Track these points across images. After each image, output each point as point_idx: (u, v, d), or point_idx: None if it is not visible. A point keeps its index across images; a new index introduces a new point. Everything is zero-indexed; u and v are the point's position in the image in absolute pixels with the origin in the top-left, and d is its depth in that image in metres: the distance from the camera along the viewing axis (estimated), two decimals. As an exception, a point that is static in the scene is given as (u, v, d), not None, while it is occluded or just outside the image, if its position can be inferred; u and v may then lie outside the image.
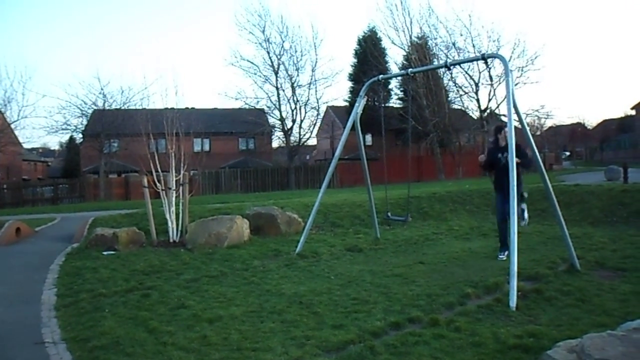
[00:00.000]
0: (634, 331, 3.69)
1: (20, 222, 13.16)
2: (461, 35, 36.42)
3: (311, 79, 38.37)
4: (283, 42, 37.99)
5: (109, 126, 32.55)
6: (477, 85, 35.50)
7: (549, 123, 60.42)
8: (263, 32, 37.54)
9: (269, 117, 39.98)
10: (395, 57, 44.19)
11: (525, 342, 4.44)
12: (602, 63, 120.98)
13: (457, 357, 4.29)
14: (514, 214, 6.25)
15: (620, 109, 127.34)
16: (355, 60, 40.97)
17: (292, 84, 38.10)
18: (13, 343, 5.23)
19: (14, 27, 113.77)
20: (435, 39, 36.58)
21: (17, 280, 8.20)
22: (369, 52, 37.00)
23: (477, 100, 36.12)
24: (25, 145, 45.83)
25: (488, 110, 36.09)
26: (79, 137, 39.49)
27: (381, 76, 9.67)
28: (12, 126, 33.14)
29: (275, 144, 46.91)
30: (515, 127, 7.14)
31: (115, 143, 35.88)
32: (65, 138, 54.69)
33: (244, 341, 4.85)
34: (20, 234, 12.45)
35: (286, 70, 38.04)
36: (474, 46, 34.89)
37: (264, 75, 38.23)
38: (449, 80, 36.91)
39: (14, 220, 13.14)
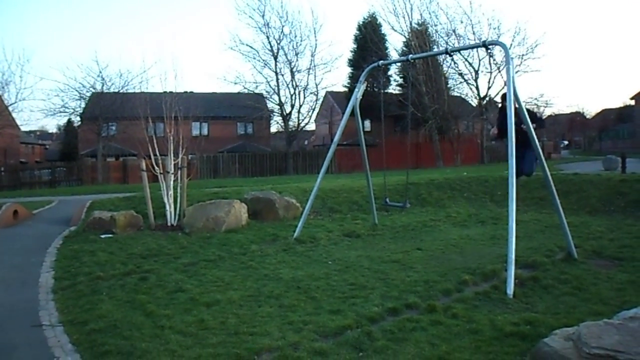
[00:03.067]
0: (630, 320, 3.69)
1: (18, 204, 13.13)
2: (461, 22, 36.55)
3: (310, 64, 38.25)
4: (283, 26, 37.83)
5: (107, 109, 32.42)
6: (476, 72, 35.43)
7: (548, 112, 60.26)
8: (263, 16, 37.37)
9: (267, 101, 39.85)
10: (395, 44, 44.15)
11: (522, 330, 4.45)
12: (602, 53, 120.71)
13: (454, 343, 4.30)
14: (512, 199, 6.24)
15: (619, 99, 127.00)
16: (355, 46, 40.78)
17: (292, 68, 37.96)
18: (10, 326, 5.23)
19: (13, 10, 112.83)
20: (436, 25, 36.55)
21: (15, 263, 8.19)
22: (369, 37, 36.81)
23: (477, 87, 36.08)
24: (23, 128, 45.79)
25: (487, 98, 36.04)
26: (77, 120, 39.42)
27: (381, 62, 9.60)
28: (10, 109, 33.00)
29: (273, 128, 46.85)
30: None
31: (114, 126, 35.75)
32: (63, 121, 54.71)
33: (242, 325, 4.86)
34: (17, 217, 12.43)
35: (285, 55, 37.90)
36: (474, 33, 34.87)
37: (263, 60, 38.13)
38: (448, 67, 36.84)
39: (12, 203, 13.11)
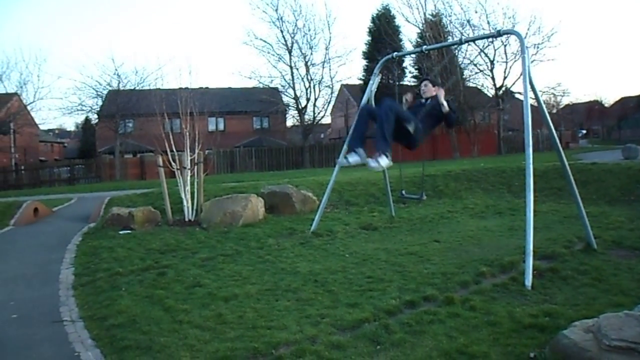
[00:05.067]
0: (652, 311, 3.65)
1: (38, 202, 13.32)
2: (476, 12, 36.29)
3: (325, 58, 38.16)
4: (296, 20, 37.77)
5: (123, 107, 32.73)
6: (492, 62, 35.08)
7: (565, 101, 59.61)
8: (276, 10, 37.34)
9: (283, 95, 39.88)
10: (409, 35, 43.88)
11: (540, 322, 4.41)
12: (620, 39, 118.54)
13: (472, 336, 4.27)
14: (530, 190, 6.18)
15: (639, 86, 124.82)
16: (369, 39, 40.52)
17: (306, 62, 37.89)
18: (32, 321, 5.31)
19: (29, 10, 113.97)
20: (450, 16, 36.16)
21: (36, 259, 8.31)
22: (383, 30, 36.57)
23: (492, 78, 35.71)
24: (42, 127, 46.31)
25: (503, 88, 35.69)
26: (94, 117, 39.76)
27: (395, 53, 9.54)
28: (29, 108, 33.46)
29: (289, 122, 46.93)
30: (532, 105, 7.04)
31: (130, 123, 36.11)
32: (80, 119, 55.26)
33: (259, 319, 4.88)
34: (38, 214, 12.60)
35: (300, 48, 37.84)
36: (488, 23, 34.47)
37: (278, 54, 38.12)
38: (463, 57, 36.52)
39: (32, 201, 13.31)
